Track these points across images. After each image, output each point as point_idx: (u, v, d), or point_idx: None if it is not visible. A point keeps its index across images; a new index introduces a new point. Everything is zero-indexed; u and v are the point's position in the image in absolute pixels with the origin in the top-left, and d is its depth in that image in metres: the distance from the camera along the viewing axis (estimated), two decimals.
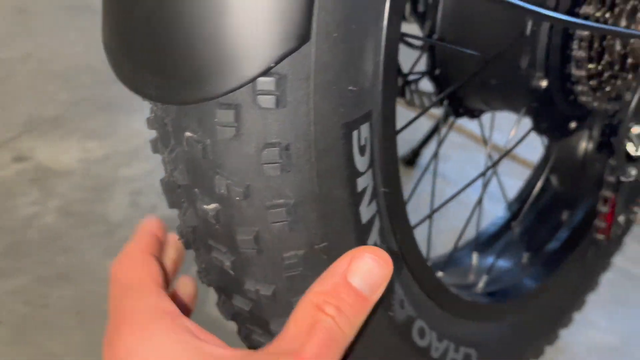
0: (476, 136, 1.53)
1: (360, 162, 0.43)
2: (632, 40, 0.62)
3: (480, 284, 0.79)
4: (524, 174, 1.05)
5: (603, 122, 0.75)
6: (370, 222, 0.47)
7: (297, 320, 0.38)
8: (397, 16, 0.43)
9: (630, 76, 0.64)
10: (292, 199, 0.40)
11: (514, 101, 0.69)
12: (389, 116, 0.47)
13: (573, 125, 0.72)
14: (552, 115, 0.67)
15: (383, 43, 0.43)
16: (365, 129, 0.43)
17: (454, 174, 1.40)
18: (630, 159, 0.63)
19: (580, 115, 0.72)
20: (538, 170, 0.98)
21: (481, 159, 1.50)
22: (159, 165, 0.45)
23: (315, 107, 0.39)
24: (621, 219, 0.79)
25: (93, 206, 1.19)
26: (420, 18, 0.73)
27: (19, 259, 1.03)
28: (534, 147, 1.00)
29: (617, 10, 0.62)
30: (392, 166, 0.49)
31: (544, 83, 0.63)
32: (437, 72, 0.72)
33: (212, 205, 0.41)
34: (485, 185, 0.77)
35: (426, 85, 0.79)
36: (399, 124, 0.50)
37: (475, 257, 0.85)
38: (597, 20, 0.61)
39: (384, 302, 0.48)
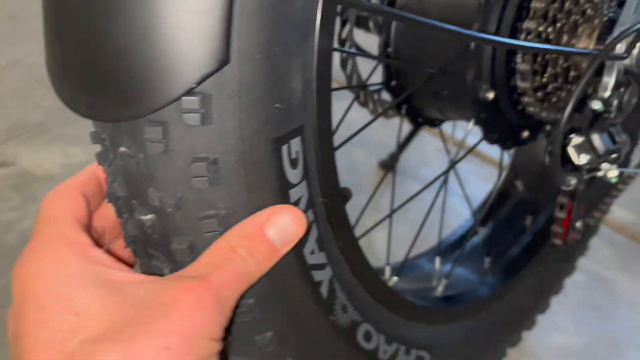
0: (456, 141, 1.55)
1: (292, 175, 0.46)
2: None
3: (440, 288, 0.81)
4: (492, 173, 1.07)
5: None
6: (307, 230, 0.49)
7: (210, 253, 0.42)
8: (327, 37, 0.45)
9: (574, 88, 0.66)
10: (223, 210, 0.43)
11: (464, 112, 0.71)
12: (325, 130, 0.49)
13: (526, 134, 0.74)
14: (501, 126, 0.70)
15: (315, 62, 0.45)
16: (296, 143, 0.45)
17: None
18: (574, 168, 0.65)
19: (532, 125, 0.74)
20: (504, 176, 1.01)
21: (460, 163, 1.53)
22: None
23: (243, 123, 0.41)
24: (579, 224, 0.81)
25: None
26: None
27: None
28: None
29: (559, 25, 0.64)
30: (330, 177, 0.51)
31: (490, 95, 0.65)
32: (393, 83, 0.75)
33: (149, 216, 0.44)
34: (440, 187, 0.80)
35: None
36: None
37: (437, 262, 0.87)
38: (539, 34, 0.64)
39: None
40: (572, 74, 0.66)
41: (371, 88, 0.79)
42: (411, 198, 0.77)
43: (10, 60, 1.72)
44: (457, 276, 0.84)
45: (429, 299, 0.77)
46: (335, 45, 0.77)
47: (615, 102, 0.63)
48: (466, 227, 0.96)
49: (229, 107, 0.40)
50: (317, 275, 0.51)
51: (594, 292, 1.17)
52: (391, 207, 0.79)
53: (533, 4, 0.63)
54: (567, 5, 0.64)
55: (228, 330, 0.47)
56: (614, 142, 0.63)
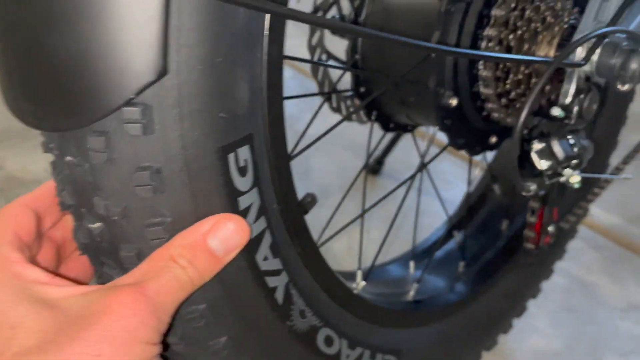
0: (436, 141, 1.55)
1: (241, 182, 0.46)
2: None
3: (411, 292, 0.81)
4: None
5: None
6: (259, 237, 0.50)
7: (149, 262, 0.42)
8: (277, 47, 0.46)
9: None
10: (169, 218, 0.43)
11: (430, 118, 0.72)
12: (277, 137, 0.50)
13: (494, 140, 0.75)
14: (467, 131, 0.70)
15: (265, 72, 0.46)
16: (244, 151, 0.46)
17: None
18: (537, 173, 0.66)
19: (500, 130, 0.74)
20: (481, 179, 1.01)
21: (446, 166, 1.53)
22: None
23: (186, 133, 0.42)
24: (552, 228, 0.82)
25: None
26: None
27: None
28: None
29: (519, 32, 0.64)
30: (285, 184, 0.52)
31: (454, 101, 0.66)
32: (362, 89, 0.75)
33: (97, 225, 0.44)
34: (409, 188, 0.80)
35: None
36: None
37: (411, 266, 0.88)
38: (500, 42, 0.64)
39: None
40: (534, 80, 0.67)
41: (339, 94, 0.79)
42: (380, 200, 0.77)
43: None
44: (429, 281, 0.84)
45: (397, 303, 0.77)
46: (307, 52, 0.77)
47: (576, 108, 0.63)
48: (442, 230, 0.97)
49: (171, 117, 0.41)
50: (272, 281, 0.52)
51: (574, 295, 1.17)
52: (362, 208, 0.79)
53: (494, 12, 0.63)
54: (527, 13, 0.64)
55: (180, 335, 0.48)
56: (574, 148, 0.63)
